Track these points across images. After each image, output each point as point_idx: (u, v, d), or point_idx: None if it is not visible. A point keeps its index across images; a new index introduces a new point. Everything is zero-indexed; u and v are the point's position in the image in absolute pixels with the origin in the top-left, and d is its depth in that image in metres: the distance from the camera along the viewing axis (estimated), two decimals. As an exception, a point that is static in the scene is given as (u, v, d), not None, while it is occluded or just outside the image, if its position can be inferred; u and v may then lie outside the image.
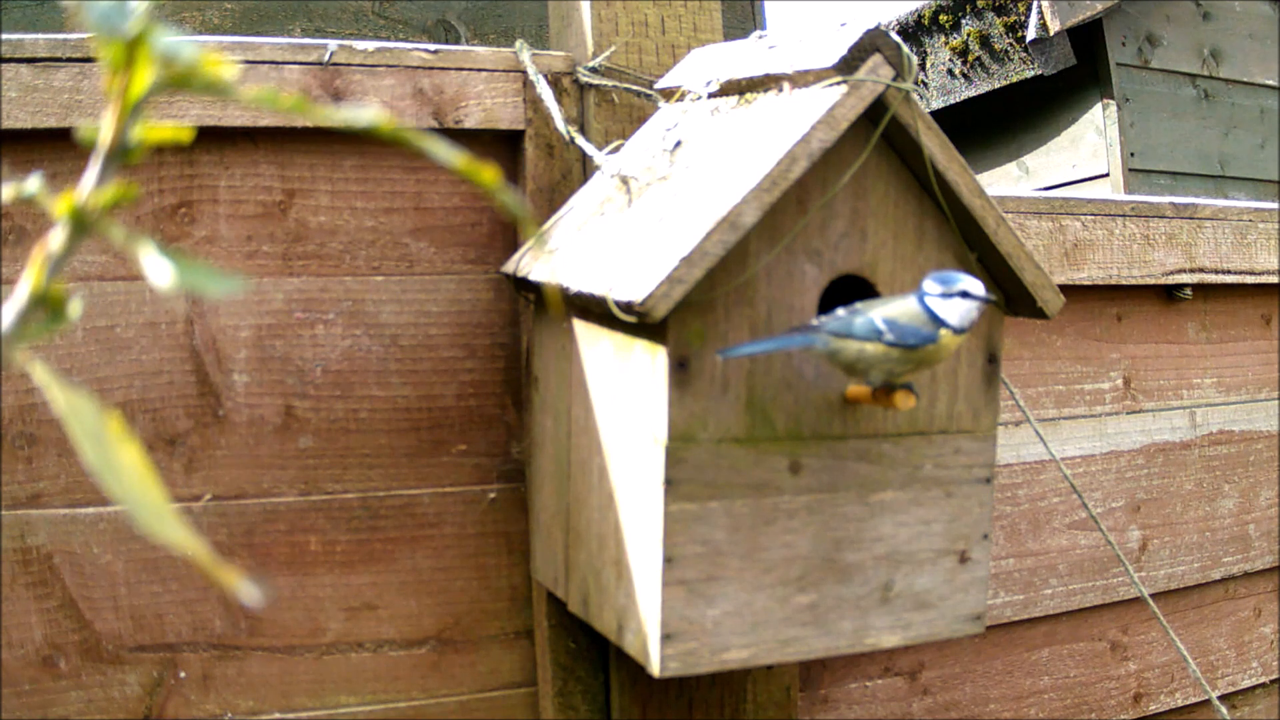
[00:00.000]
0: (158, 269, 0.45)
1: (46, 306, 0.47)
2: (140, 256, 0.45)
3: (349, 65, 1.27)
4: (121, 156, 0.47)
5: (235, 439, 1.28)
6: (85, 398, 0.44)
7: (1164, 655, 1.76)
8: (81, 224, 0.47)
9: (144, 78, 0.46)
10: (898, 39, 1.06)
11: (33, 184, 0.49)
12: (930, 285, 1.04)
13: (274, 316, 1.28)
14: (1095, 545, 1.67)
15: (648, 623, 1.07)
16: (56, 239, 0.47)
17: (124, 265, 1.24)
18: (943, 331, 1.04)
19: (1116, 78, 3.35)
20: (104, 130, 0.47)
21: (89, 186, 0.46)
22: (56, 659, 1.23)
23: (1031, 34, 3.27)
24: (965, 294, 1.04)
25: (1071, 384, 1.65)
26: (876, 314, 1.03)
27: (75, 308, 0.48)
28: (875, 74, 1.04)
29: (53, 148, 1.20)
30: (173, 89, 0.47)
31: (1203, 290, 1.74)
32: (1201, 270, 1.70)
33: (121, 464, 0.43)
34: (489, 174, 0.49)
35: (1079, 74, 3.37)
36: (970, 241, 1.14)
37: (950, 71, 3.63)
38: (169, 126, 0.48)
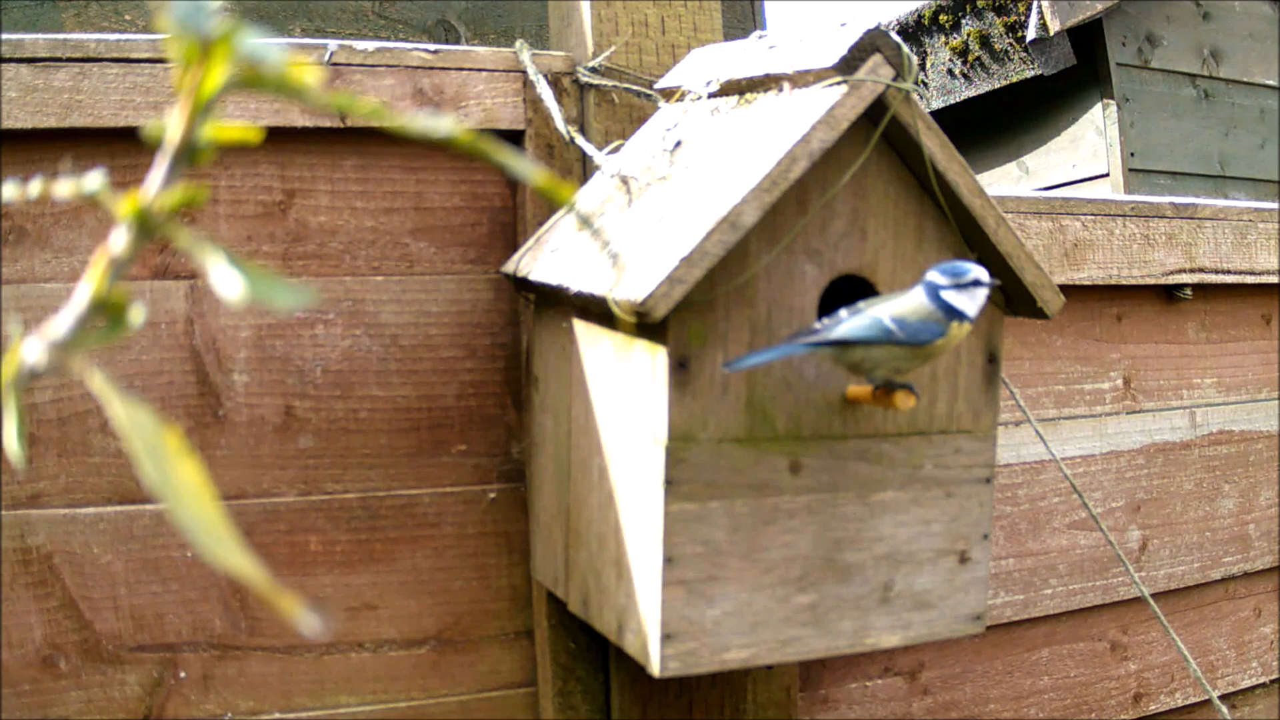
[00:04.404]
0: (226, 280, 0.43)
1: (108, 312, 0.44)
2: (208, 266, 0.43)
3: (349, 65, 1.27)
4: (190, 156, 0.44)
5: (235, 439, 1.28)
6: (144, 409, 0.42)
7: (1164, 655, 1.76)
8: (146, 226, 0.44)
9: (218, 76, 0.43)
10: (898, 39, 1.06)
11: (94, 180, 0.47)
12: (939, 278, 1.03)
13: (274, 316, 1.28)
14: (1095, 545, 1.67)
15: (648, 623, 1.07)
16: (119, 241, 0.44)
17: (124, 265, 1.23)
18: (951, 324, 1.03)
19: (1116, 78, 3.35)
20: (172, 128, 0.44)
21: (155, 187, 0.44)
22: (56, 659, 1.23)
23: (1031, 34, 3.27)
24: (978, 282, 1.03)
25: (1071, 384, 1.65)
26: (884, 313, 1.03)
27: (137, 314, 0.45)
28: (875, 74, 1.04)
29: (52, 148, 1.20)
30: (245, 88, 0.45)
31: (1203, 290, 1.74)
32: (1201, 270, 1.70)
33: (181, 480, 0.41)
34: (567, 191, 0.48)
35: (1079, 74, 3.37)
36: (970, 241, 1.14)
37: (950, 71, 3.63)
38: (239, 126, 0.46)
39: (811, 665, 1.51)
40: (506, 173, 1.36)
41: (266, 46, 0.44)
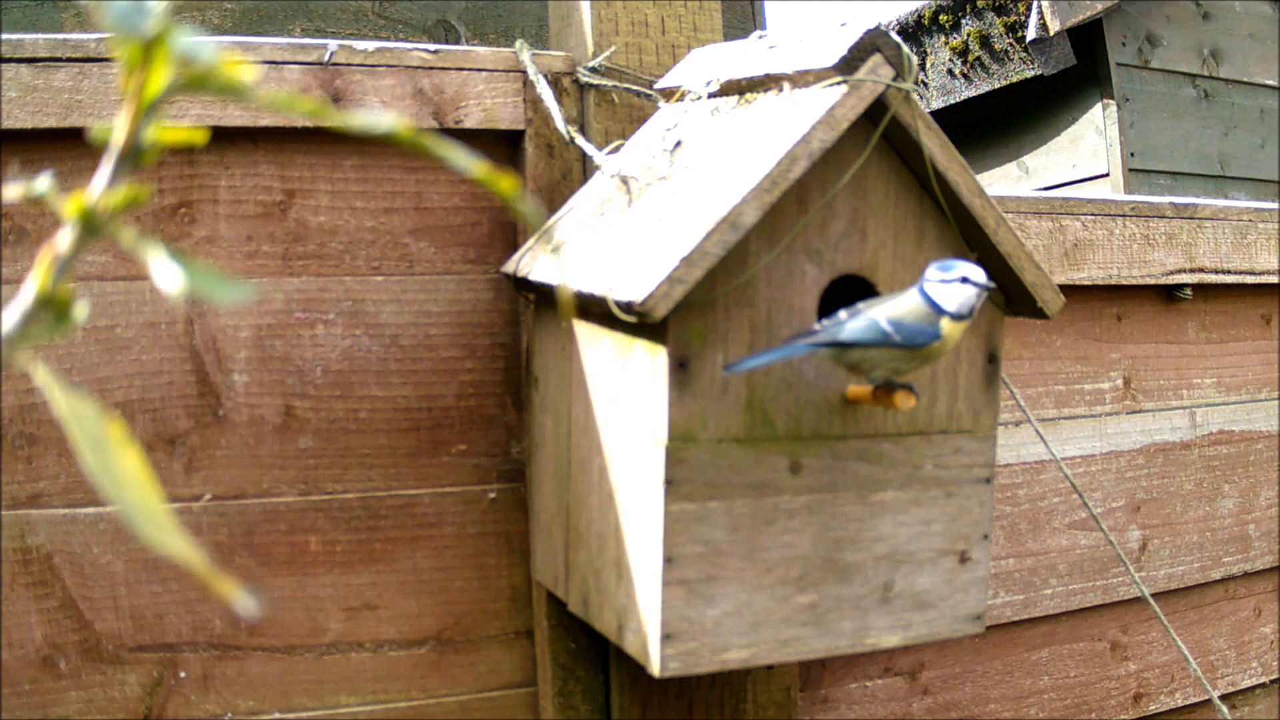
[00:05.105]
0: (166, 274, 0.43)
1: (52, 308, 0.46)
2: (149, 261, 0.44)
3: (349, 65, 1.27)
4: (134, 158, 0.45)
5: (235, 439, 1.28)
6: (87, 402, 0.43)
7: (1164, 655, 1.76)
8: (91, 226, 0.45)
9: (160, 78, 0.44)
10: (898, 39, 1.06)
11: (42, 183, 0.47)
12: (931, 272, 1.04)
13: (274, 316, 1.28)
14: (1095, 545, 1.67)
15: (648, 623, 1.07)
16: (65, 240, 0.45)
17: (124, 265, 1.24)
18: (944, 324, 1.03)
19: (1116, 78, 3.35)
20: (117, 130, 0.45)
21: (100, 187, 0.45)
22: (56, 659, 1.23)
23: (1031, 34, 3.27)
24: (965, 279, 1.04)
25: (1071, 384, 1.65)
26: (880, 315, 1.03)
27: (81, 310, 0.46)
28: (875, 74, 1.04)
29: (52, 147, 1.20)
30: (189, 90, 0.45)
31: (1203, 290, 1.74)
32: (1201, 270, 1.70)
33: (122, 470, 0.42)
34: (507, 183, 0.48)
35: (1079, 74, 3.37)
36: (970, 241, 1.14)
37: (950, 71, 3.63)
38: (183, 127, 0.46)
39: (811, 665, 1.51)
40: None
41: (201, 46, 0.44)
